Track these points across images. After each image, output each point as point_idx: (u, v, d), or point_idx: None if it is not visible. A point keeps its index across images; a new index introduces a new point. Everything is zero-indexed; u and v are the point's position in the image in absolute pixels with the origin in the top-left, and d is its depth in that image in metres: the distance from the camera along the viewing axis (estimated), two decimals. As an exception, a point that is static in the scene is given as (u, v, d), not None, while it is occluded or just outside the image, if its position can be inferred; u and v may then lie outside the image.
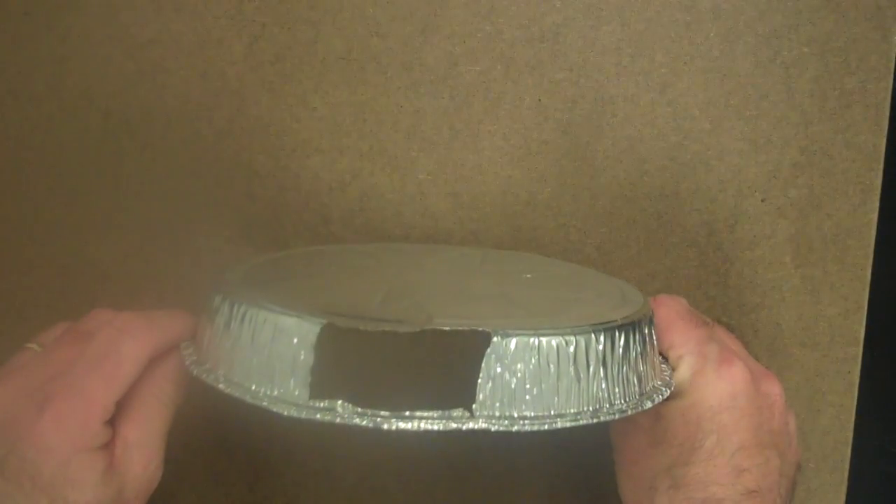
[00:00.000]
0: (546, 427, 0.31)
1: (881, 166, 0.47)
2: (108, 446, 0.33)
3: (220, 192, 0.45)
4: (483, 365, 0.31)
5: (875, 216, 0.47)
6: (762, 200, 0.47)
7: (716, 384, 0.35)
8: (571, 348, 0.32)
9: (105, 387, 0.33)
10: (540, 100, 0.47)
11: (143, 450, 0.34)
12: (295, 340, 0.31)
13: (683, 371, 0.36)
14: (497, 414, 0.31)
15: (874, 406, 0.51)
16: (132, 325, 0.35)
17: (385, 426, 0.30)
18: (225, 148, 0.47)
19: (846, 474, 0.48)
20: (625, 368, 0.33)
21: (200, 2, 0.48)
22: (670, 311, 0.38)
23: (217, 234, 0.48)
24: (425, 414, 0.30)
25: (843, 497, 0.48)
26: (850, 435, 0.48)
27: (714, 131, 0.47)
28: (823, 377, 0.47)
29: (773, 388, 0.37)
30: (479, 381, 0.31)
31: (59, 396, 0.32)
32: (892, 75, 0.47)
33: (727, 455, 0.34)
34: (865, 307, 0.47)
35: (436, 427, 0.30)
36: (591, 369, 0.32)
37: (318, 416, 0.31)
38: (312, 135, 0.47)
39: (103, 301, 0.48)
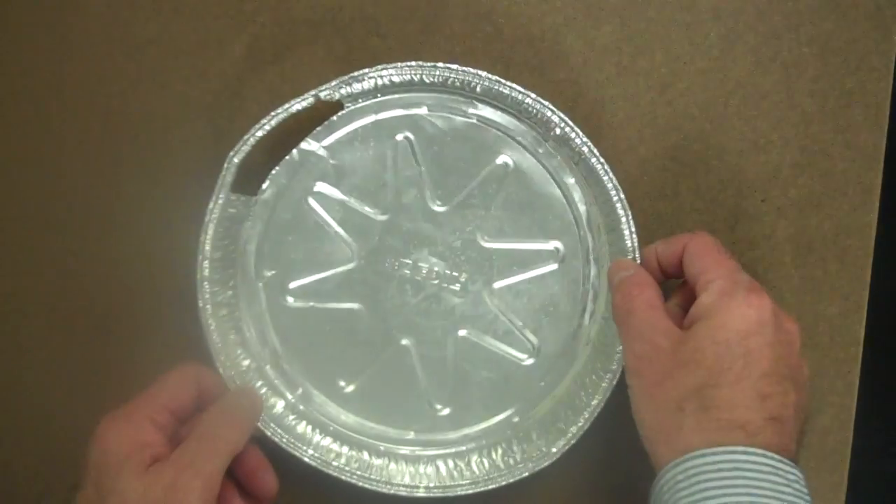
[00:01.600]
0: None
1: (881, 166, 0.47)
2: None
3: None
4: None
5: (875, 216, 0.47)
6: (762, 200, 0.47)
7: (745, 310, 0.36)
8: None
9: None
10: (540, 100, 0.47)
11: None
12: None
13: (713, 294, 0.37)
14: None
15: (874, 406, 0.51)
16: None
17: None
18: (225, 148, 0.47)
19: (846, 474, 0.48)
20: None
21: (200, 2, 0.48)
22: (706, 242, 0.40)
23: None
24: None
25: (843, 497, 0.48)
26: (850, 435, 0.48)
27: (714, 131, 0.47)
28: (823, 377, 0.47)
29: (793, 327, 0.38)
30: None
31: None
32: (892, 75, 0.47)
33: (753, 379, 0.35)
34: (865, 307, 0.47)
35: None
36: None
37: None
38: (312, 135, 0.47)
39: (103, 301, 0.48)
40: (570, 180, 0.45)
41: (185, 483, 0.35)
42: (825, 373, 0.47)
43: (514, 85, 0.43)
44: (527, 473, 0.43)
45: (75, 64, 0.48)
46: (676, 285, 0.42)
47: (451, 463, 0.45)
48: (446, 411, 0.46)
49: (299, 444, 0.44)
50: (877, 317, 0.48)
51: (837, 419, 0.47)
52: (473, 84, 0.44)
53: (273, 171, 0.45)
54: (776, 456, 0.34)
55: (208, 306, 0.44)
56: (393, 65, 0.43)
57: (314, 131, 0.45)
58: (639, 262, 0.43)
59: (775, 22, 0.47)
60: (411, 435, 0.45)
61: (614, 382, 0.43)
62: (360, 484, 0.43)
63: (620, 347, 0.42)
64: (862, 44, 0.47)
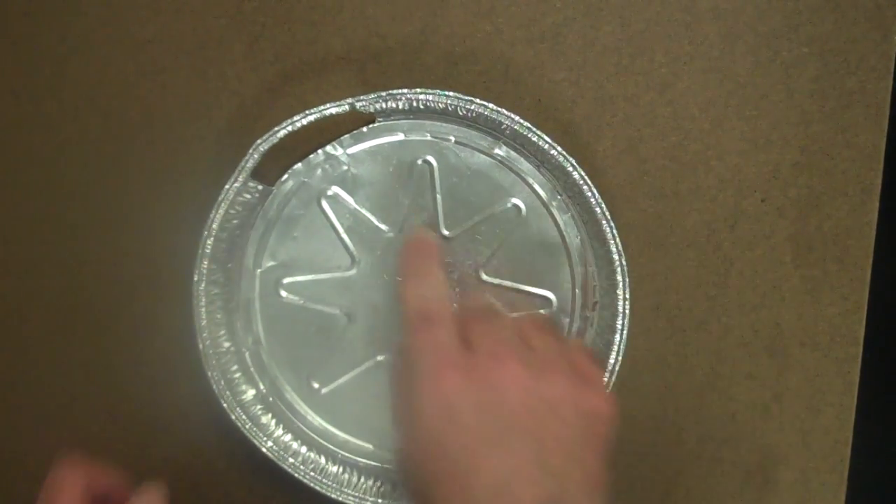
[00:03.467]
0: None
1: (881, 166, 0.47)
2: None
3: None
4: None
5: (875, 216, 0.47)
6: (762, 200, 0.47)
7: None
8: None
9: None
10: (540, 100, 0.47)
11: None
12: None
13: None
14: None
15: (874, 406, 0.51)
16: None
17: None
18: (225, 148, 0.47)
19: (846, 474, 0.48)
20: None
21: (200, 2, 0.48)
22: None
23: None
24: None
25: (843, 497, 0.48)
26: (850, 435, 0.48)
27: (714, 131, 0.47)
28: (823, 377, 0.47)
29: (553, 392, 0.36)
30: None
31: None
32: (892, 75, 0.47)
33: (457, 456, 0.34)
34: (865, 307, 0.47)
35: None
36: None
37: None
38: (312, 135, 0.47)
39: (103, 301, 0.48)
40: (576, 238, 0.46)
41: None
42: (825, 373, 0.47)
43: (543, 135, 0.44)
44: None
45: (75, 64, 0.48)
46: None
47: None
48: None
49: (260, 434, 0.44)
50: (877, 317, 0.48)
51: (837, 419, 0.47)
52: (503, 125, 0.44)
53: (294, 167, 0.45)
54: None
55: (202, 282, 0.44)
56: (431, 91, 0.44)
57: (341, 138, 0.45)
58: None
59: (775, 22, 0.47)
60: (370, 448, 0.46)
61: None
62: (311, 485, 0.44)
63: None
64: (862, 44, 0.47)
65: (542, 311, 0.46)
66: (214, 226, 0.44)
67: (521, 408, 0.34)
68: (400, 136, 0.46)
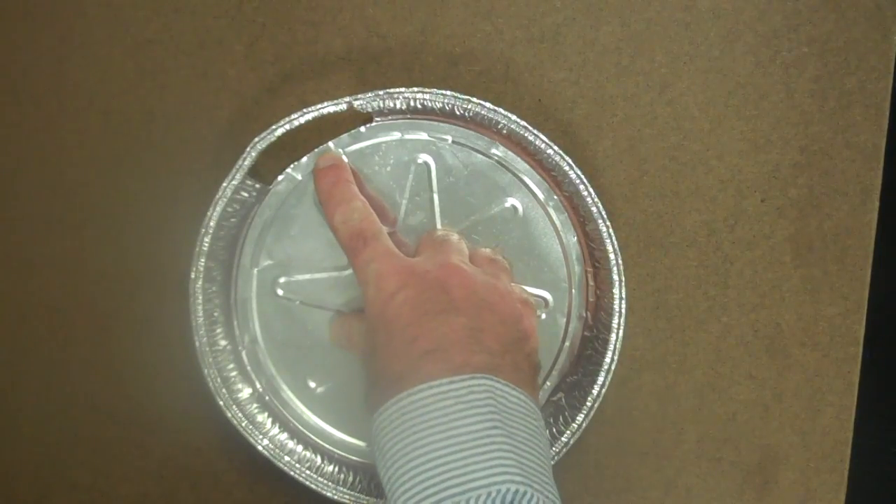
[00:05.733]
0: None
1: (881, 166, 0.47)
2: None
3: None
4: None
5: (875, 216, 0.47)
6: (762, 200, 0.47)
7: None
8: None
9: None
10: (540, 100, 0.47)
11: None
12: None
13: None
14: None
15: (874, 406, 0.51)
16: None
17: None
18: (225, 148, 0.47)
19: (846, 474, 0.48)
20: None
21: (200, 2, 0.48)
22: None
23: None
24: None
25: (843, 497, 0.48)
26: (850, 435, 0.48)
27: (714, 131, 0.47)
28: (823, 377, 0.47)
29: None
30: None
31: None
32: (892, 75, 0.47)
33: (400, 333, 0.37)
34: (865, 307, 0.47)
35: None
36: None
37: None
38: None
39: (102, 300, 0.48)
40: (573, 238, 0.46)
41: None
42: (825, 373, 0.47)
43: (539, 133, 0.44)
44: None
45: (75, 64, 0.48)
46: None
47: None
48: None
49: (256, 433, 0.44)
50: (877, 317, 0.48)
51: (837, 419, 0.47)
52: (501, 125, 0.44)
53: (292, 166, 0.45)
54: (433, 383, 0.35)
55: (200, 281, 0.44)
56: (429, 90, 0.44)
57: (339, 137, 0.45)
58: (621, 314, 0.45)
59: (775, 22, 0.47)
60: (366, 447, 0.46)
61: (573, 440, 0.44)
62: (307, 483, 0.44)
63: (589, 404, 0.44)
64: (862, 44, 0.47)
65: (540, 311, 0.46)
66: (212, 224, 0.44)
67: (462, 298, 0.38)
68: (397, 136, 0.46)
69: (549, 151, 0.44)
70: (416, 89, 0.44)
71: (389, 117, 0.45)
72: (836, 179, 0.47)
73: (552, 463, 0.43)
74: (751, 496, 0.48)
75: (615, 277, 0.44)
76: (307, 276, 0.46)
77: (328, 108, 0.44)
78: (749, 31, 0.47)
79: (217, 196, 0.44)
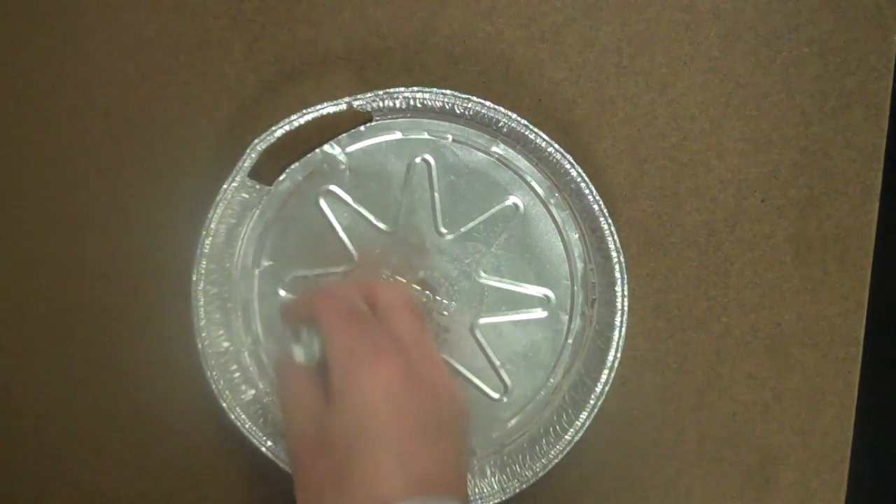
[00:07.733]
0: None
1: (881, 166, 0.47)
2: None
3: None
4: None
5: (875, 216, 0.47)
6: (762, 200, 0.47)
7: (371, 384, 0.34)
8: None
9: None
10: (540, 100, 0.47)
11: None
12: None
13: (336, 374, 0.35)
14: None
15: (874, 406, 0.51)
16: None
17: None
18: (225, 148, 0.47)
19: (846, 474, 0.48)
20: None
21: (200, 2, 0.48)
22: (325, 306, 0.37)
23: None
24: None
25: (843, 497, 0.48)
26: (850, 435, 0.48)
27: (714, 131, 0.47)
28: (823, 377, 0.47)
29: (434, 377, 0.37)
30: None
31: None
32: (892, 75, 0.47)
33: (390, 448, 0.34)
34: (865, 307, 0.47)
35: None
36: None
37: None
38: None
39: (103, 301, 0.48)
40: (574, 235, 0.46)
41: None
42: (825, 373, 0.47)
43: (540, 132, 0.44)
44: None
45: (75, 64, 0.48)
46: None
47: None
48: None
49: (259, 434, 0.44)
50: (877, 317, 0.48)
51: (837, 419, 0.47)
52: (501, 123, 0.44)
53: (292, 166, 0.45)
54: None
55: (201, 282, 0.44)
56: (428, 89, 0.44)
57: (339, 137, 0.45)
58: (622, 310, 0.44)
59: (775, 22, 0.47)
60: None
61: (577, 437, 0.44)
62: None
63: (592, 401, 0.44)
64: (862, 44, 0.47)
65: (540, 309, 0.46)
66: (213, 225, 0.44)
67: (448, 411, 0.36)
68: (398, 135, 0.46)
69: (550, 150, 0.44)
70: (415, 88, 0.44)
71: (389, 116, 0.45)
72: (836, 179, 0.47)
73: (556, 461, 0.43)
74: (751, 496, 0.48)
75: (617, 275, 0.44)
76: (308, 275, 0.46)
77: (328, 108, 0.44)
78: (749, 32, 0.47)
79: (218, 198, 0.44)
